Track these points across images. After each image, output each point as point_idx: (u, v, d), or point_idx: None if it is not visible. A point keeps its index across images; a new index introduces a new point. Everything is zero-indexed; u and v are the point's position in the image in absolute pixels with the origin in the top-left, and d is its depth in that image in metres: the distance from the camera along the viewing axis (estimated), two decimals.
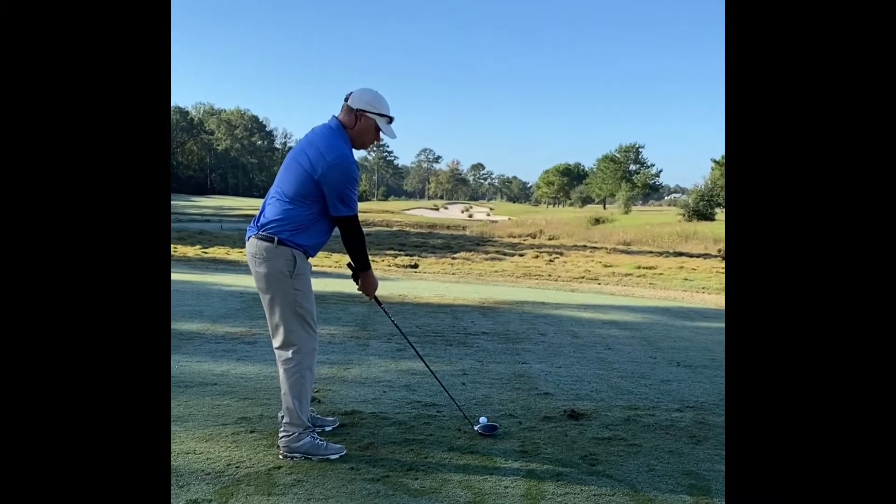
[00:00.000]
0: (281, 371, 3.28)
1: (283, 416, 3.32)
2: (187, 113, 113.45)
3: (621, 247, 30.85)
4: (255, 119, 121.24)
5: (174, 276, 10.80)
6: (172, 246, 18.45)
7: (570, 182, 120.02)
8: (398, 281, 12.28)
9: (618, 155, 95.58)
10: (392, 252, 21.68)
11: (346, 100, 3.31)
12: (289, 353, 3.25)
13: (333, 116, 3.33)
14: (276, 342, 3.30)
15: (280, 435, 3.25)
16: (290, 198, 3.21)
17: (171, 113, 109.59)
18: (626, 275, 16.84)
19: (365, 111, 3.25)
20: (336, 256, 16.22)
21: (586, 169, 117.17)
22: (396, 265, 16.98)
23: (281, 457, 3.21)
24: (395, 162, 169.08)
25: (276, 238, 3.20)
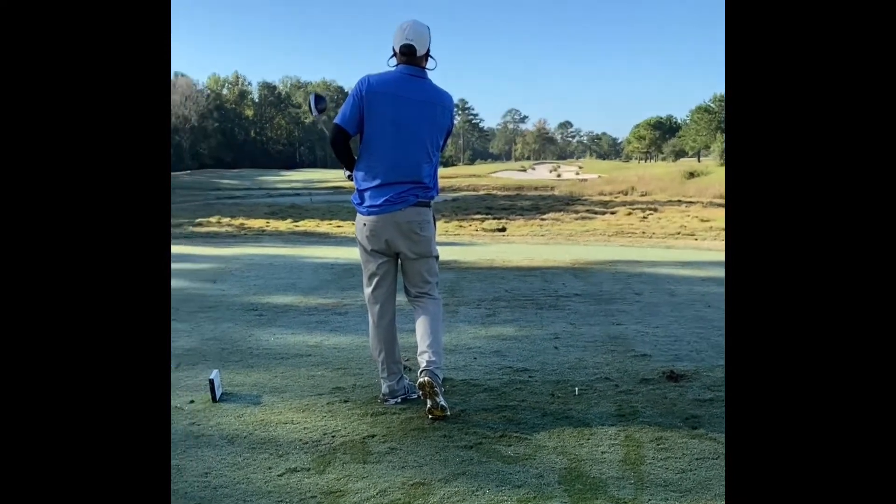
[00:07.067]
0: (438, 318, 3.45)
1: (432, 358, 3.30)
2: (275, 87, 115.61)
3: (718, 200, 29.62)
4: (340, 90, 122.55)
5: (268, 251, 11.11)
6: (265, 221, 18.99)
7: (661, 136, 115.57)
8: (486, 245, 12.18)
9: (712, 105, 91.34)
10: (479, 216, 21.56)
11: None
12: (440, 298, 3.56)
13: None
14: (434, 293, 3.50)
15: (433, 368, 3.27)
16: (432, 154, 3.41)
17: (259, 89, 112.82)
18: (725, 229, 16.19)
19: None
20: None
21: (678, 121, 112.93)
22: (483, 230, 16.87)
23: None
24: (481, 125, 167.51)
25: (431, 201, 3.45)
